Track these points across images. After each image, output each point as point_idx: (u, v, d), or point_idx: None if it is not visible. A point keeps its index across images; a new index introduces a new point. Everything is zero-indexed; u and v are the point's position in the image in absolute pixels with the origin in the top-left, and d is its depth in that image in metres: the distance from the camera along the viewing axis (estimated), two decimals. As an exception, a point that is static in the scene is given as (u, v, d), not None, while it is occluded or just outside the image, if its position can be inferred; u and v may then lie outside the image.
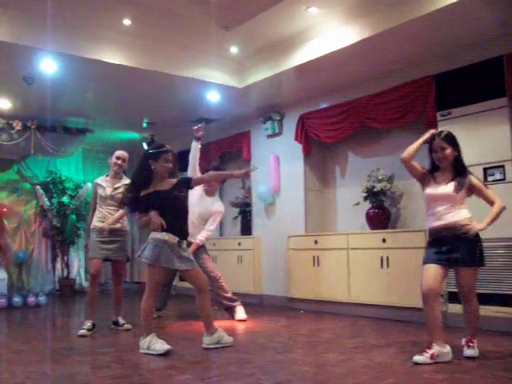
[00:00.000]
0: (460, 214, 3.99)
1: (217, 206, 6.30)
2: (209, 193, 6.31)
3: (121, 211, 5.61)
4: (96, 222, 5.68)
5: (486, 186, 4.19)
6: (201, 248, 6.16)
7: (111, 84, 7.17)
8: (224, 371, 3.67)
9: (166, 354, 4.18)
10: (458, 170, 4.09)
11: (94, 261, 5.60)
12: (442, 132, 4.15)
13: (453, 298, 5.24)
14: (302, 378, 3.49)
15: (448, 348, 3.87)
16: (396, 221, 6.79)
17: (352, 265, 6.57)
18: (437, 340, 3.85)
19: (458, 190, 4.00)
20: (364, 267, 6.41)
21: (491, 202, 4.03)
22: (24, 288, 9.65)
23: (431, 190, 4.08)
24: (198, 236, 6.09)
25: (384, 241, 6.19)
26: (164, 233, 4.34)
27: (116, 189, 5.74)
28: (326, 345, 4.68)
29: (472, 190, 4.06)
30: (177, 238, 4.37)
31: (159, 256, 4.30)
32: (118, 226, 5.67)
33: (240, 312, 6.28)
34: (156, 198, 4.39)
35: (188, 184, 4.53)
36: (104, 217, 5.67)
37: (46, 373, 3.71)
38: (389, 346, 4.53)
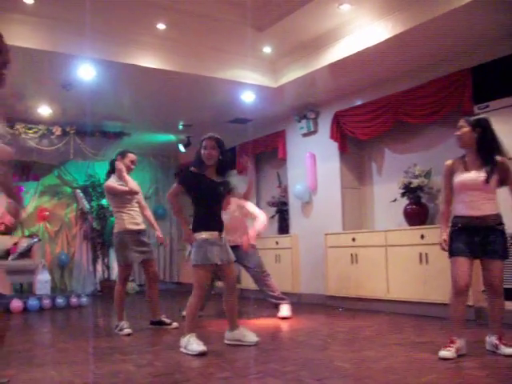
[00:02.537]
0: (496, 206, 3.94)
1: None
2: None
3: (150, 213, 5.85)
4: (131, 225, 5.61)
5: None
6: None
7: (147, 87, 7.29)
8: (264, 368, 3.70)
9: (200, 355, 4.18)
10: (484, 156, 3.96)
11: (129, 266, 5.69)
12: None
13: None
14: (343, 375, 3.50)
15: (464, 341, 3.94)
16: (434, 216, 6.71)
17: (390, 262, 6.53)
18: (460, 335, 3.92)
19: (488, 178, 3.89)
20: (402, 264, 6.36)
21: None
22: (67, 289, 9.88)
23: (461, 178, 3.95)
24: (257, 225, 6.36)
25: (422, 237, 6.14)
26: (203, 231, 4.41)
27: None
28: (366, 342, 4.67)
29: (502, 174, 3.93)
30: (217, 233, 4.45)
31: (206, 254, 4.36)
32: (144, 226, 5.73)
33: (283, 310, 6.28)
34: (203, 182, 4.46)
35: (229, 188, 4.60)
36: (134, 218, 5.64)
37: (92, 371, 3.80)
38: (429, 342, 4.49)
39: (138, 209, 5.73)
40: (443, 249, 4.06)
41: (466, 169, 3.98)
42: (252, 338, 4.59)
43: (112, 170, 5.78)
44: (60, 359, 4.24)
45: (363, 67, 6.51)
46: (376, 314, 6.39)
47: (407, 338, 4.79)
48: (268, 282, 6.37)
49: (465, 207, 3.95)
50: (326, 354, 4.22)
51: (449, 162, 4.09)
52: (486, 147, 3.96)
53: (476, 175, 3.93)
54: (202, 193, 4.47)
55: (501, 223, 3.95)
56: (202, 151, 4.50)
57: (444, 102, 6.20)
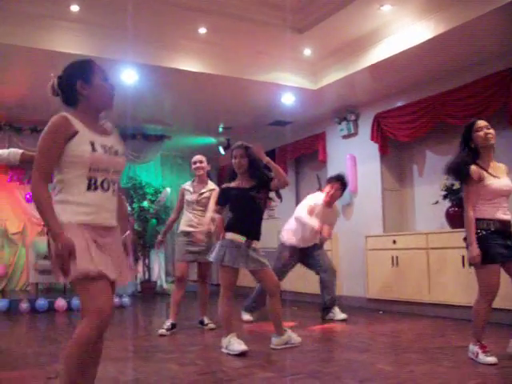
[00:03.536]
0: None
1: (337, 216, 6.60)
2: (328, 204, 6.29)
3: (208, 215, 5.78)
4: (183, 226, 5.82)
5: None
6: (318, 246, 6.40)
7: (188, 91, 7.38)
8: (305, 369, 3.72)
9: (241, 354, 4.21)
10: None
11: (180, 264, 5.75)
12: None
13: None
14: (385, 378, 3.48)
15: None
16: (477, 219, 6.60)
17: (432, 265, 6.44)
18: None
19: None
20: (444, 267, 6.27)
21: None
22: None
23: (497, 184, 3.83)
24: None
25: (465, 240, 6.03)
26: (231, 233, 4.45)
27: (201, 194, 5.83)
28: (407, 345, 4.63)
29: None
30: (244, 238, 4.43)
31: (224, 256, 4.39)
32: (206, 228, 5.80)
33: (339, 313, 6.24)
34: (233, 193, 4.54)
35: (267, 184, 4.51)
36: (190, 220, 5.80)
37: (136, 368, 3.88)
38: (473, 346, 4.43)
39: (197, 212, 5.84)
40: (476, 263, 3.77)
41: (490, 173, 3.86)
42: (296, 338, 4.64)
43: None
44: (104, 356, 4.29)
45: (405, 68, 6.45)
46: (417, 318, 6.33)
47: (450, 341, 4.74)
48: (335, 281, 6.36)
49: (497, 211, 3.84)
50: (367, 356, 4.21)
51: (473, 166, 3.83)
52: None
53: (506, 182, 3.90)
54: (232, 203, 4.59)
55: None
56: (233, 161, 4.56)
57: (488, 102, 6.10)
